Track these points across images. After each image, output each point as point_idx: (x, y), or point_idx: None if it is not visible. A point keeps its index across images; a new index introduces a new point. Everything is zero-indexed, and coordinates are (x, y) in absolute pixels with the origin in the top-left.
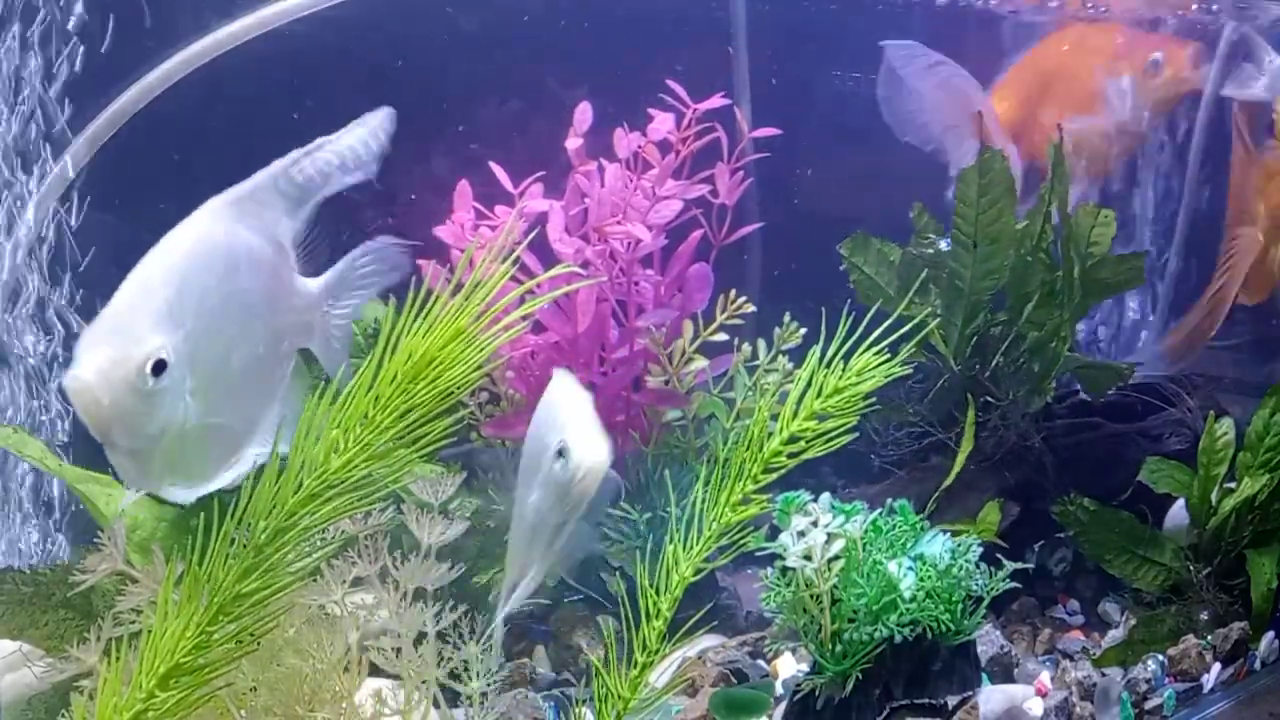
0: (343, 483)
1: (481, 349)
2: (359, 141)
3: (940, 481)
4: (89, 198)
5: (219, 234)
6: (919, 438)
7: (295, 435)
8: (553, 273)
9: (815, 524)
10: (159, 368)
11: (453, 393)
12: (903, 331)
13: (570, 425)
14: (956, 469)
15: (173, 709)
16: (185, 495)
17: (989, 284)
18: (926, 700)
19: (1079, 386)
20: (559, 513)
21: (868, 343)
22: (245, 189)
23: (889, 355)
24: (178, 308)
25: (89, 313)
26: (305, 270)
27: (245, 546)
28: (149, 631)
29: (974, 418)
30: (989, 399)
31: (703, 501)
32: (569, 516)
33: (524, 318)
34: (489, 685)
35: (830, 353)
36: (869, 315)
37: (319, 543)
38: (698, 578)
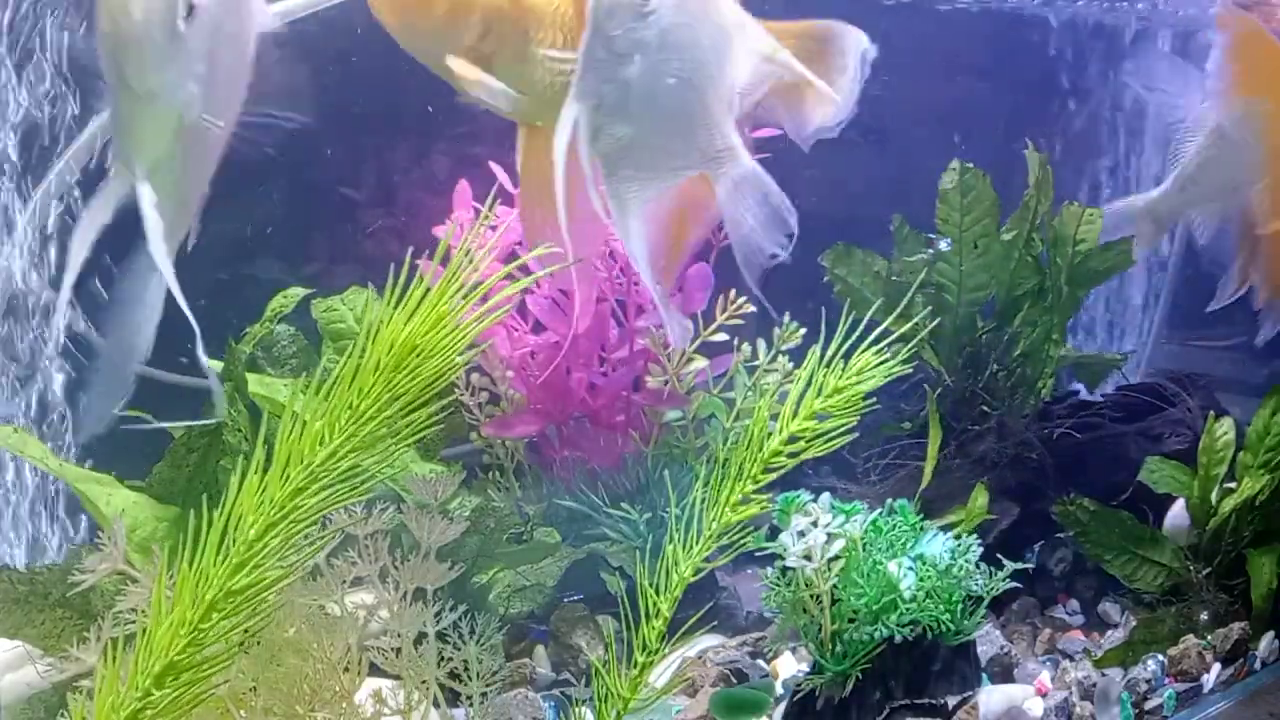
0: (329, 474)
1: (464, 335)
2: None
3: (940, 481)
4: None
5: None
6: (914, 446)
7: (281, 428)
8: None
9: (815, 524)
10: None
11: (437, 380)
12: (897, 336)
13: None
14: (930, 461)
15: (169, 708)
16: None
17: (979, 294)
18: (926, 700)
19: (1078, 387)
20: None
21: (866, 343)
22: None
23: (888, 356)
24: None
25: None
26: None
27: (236, 541)
28: (143, 630)
29: (934, 403)
30: (984, 408)
31: (702, 501)
32: None
33: (519, 313)
34: (489, 685)
35: (830, 352)
36: (867, 316)
37: (311, 537)
38: (697, 578)
